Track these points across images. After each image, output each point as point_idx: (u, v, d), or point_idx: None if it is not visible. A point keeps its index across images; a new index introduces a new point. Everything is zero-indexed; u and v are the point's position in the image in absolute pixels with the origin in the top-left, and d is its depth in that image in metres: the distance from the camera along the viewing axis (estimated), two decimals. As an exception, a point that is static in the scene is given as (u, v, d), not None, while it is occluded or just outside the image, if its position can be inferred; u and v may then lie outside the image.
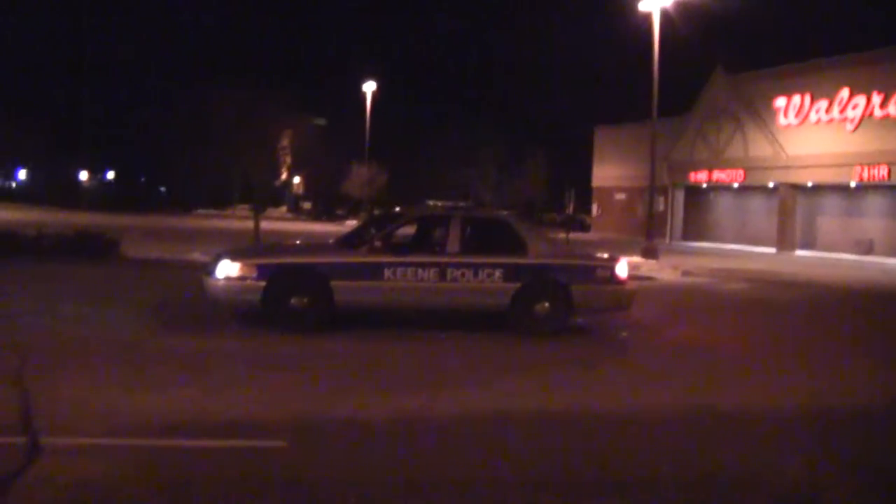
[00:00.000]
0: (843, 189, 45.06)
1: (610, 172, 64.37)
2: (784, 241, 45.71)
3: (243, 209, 67.67)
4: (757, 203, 51.44)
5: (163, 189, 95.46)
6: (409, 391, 8.82)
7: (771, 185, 47.34)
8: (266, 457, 6.49)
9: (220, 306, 12.70)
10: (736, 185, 50.32)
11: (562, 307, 12.78)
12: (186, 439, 6.76)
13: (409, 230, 14.23)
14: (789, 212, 46.27)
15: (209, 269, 12.49)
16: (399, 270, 12.22)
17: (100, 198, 79.39)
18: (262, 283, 11.84)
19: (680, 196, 55.72)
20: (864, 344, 14.24)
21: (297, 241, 18.92)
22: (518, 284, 12.58)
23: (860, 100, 41.34)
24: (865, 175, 40.87)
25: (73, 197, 74.66)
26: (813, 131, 44.08)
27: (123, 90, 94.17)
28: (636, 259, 26.98)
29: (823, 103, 43.34)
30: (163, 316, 13.09)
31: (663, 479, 6.39)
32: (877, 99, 40.44)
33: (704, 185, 53.26)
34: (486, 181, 56.25)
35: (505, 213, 14.79)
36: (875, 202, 44.61)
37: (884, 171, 39.92)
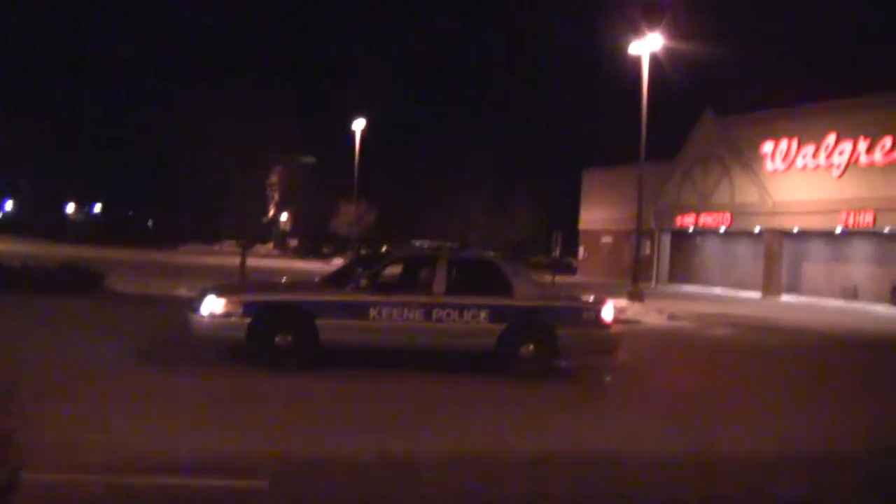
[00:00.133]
0: (828, 235, 45.32)
1: (597, 215, 64.59)
2: (770, 285, 45.88)
3: (230, 245, 67.57)
4: (743, 248, 51.65)
5: (150, 223, 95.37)
6: (393, 431, 8.78)
7: (757, 230, 47.59)
8: (248, 496, 6.45)
9: (204, 342, 12.63)
10: (722, 229, 50.56)
11: (547, 349, 12.77)
12: (167, 477, 6.71)
13: (396, 270, 14.21)
14: (775, 257, 46.48)
15: (194, 305, 12.45)
16: (385, 310, 12.20)
17: (87, 231, 79.26)
18: (248, 320, 11.80)
19: (666, 239, 55.94)
20: (848, 389, 14.26)
21: (284, 279, 18.90)
22: (503, 326, 12.58)
23: (846, 146, 41.71)
24: (851, 221, 41.14)
25: (59, 229, 74.50)
26: (799, 177, 44.41)
27: (112, 123, 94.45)
28: (622, 302, 26.99)
29: (810, 148, 43.69)
30: (146, 352, 13.01)
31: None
32: (863, 145, 40.81)
33: (691, 229, 53.49)
34: (474, 223, 56.33)
35: (491, 254, 14.84)
36: (860, 248, 44.86)
37: (869, 217, 40.20)
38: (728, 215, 48.88)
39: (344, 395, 10.72)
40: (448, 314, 12.40)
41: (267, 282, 18.24)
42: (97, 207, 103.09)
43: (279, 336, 11.87)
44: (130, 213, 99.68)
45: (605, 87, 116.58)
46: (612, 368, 14.22)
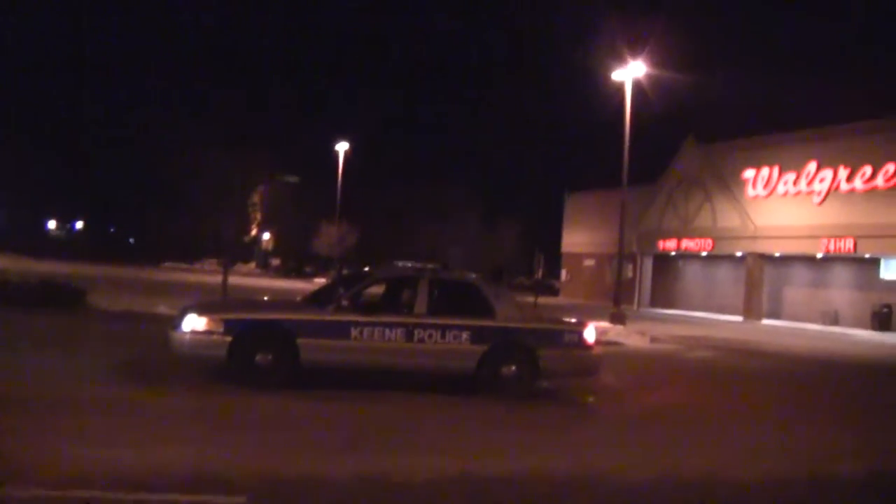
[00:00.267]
0: (809, 260, 45.63)
1: (579, 238, 64.81)
2: (751, 310, 46.05)
3: (212, 263, 67.42)
4: (725, 272, 51.89)
5: (132, 240, 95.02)
6: (371, 452, 8.75)
7: (739, 254, 47.83)
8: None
9: (185, 360, 12.57)
10: (704, 253, 50.79)
11: (528, 371, 12.76)
12: (146, 493, 6.66)
13: (378, 290, 14.17)
14: (756, 281, 46.69)
15: (175, 322, 12.39)
16: (366, 330, 12.17)
17: (68, 247, 78.83)
18: (229, 339, 11.74)
19: (648, 263, 56.15)
20: (826, 412, 14.30)
21: (265, 298, 18.83)
22: (485, 347, 12.56)
23: (827, 173, 42.03)
24: (832, 247, 41.42)
25: (40, 245, 74.05)
26: (781, 203, 44.70)
27: (95, 140, 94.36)
28: (604, 324, 27.01)
29: (791, 176, 44.02)
30: (126, 369, 12.93)
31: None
32: (843, 173, 41.14)
33: (673, 253, 53.73)
34: (456, 244, 56.39)
35: (473, 275, 14.79)
36: (841, 274, 45.17)
37: (850, 243, 40.47)
38: (710, 240, 49.10)
39: (323, 415, 10.67)
40: (430, 335, 12.38)
41: (248, 300, 18.18)
42: (78, 224, 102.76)
43: (260, 355, 11.81)
44: (112, 230, 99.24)
45: (589, 113, 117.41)
46: (595, 390, 14.23)
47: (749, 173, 46.74)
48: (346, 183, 65.90)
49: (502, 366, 12.65)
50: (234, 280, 30.73)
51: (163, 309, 21.97)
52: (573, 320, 14.44)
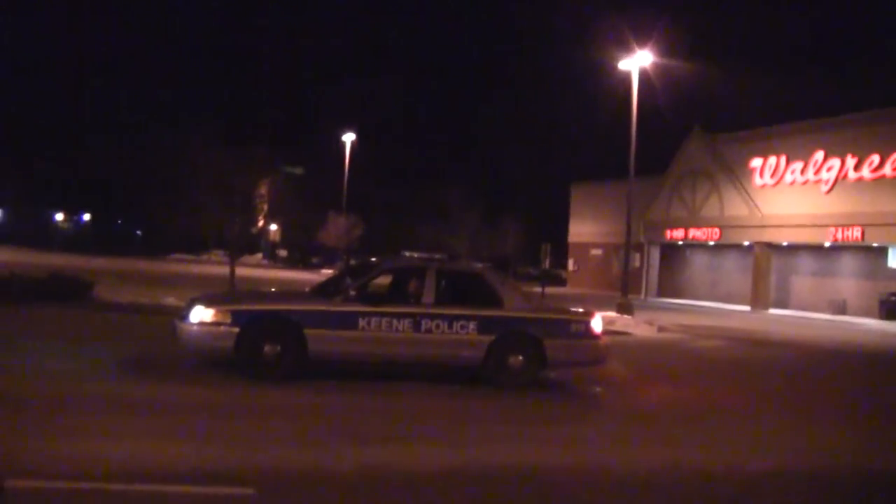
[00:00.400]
0: (817, 249, 45.50)
1: (586, 228, 64.77)
2: (758, 299, 45.96)
3: (219, 255, 67.43)
4: (732, 261, 51.79)
5: (139, 233, 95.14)
6: (379, 443, 8.74)
7: (746, 244, 47.71)
8: (235, 502, 6.42)
9: (192, 352, 12.59)
10: (711, 243, 50.68)
11: (536, 360, 12.75)
12: (154, 485, 6.67)
13: (385, 281, 14.17)
14: (764, 271, 46.58)
15: (182, 314, 12.40)
16: (373, 320, 12.17)
17: (75, 240, 78.99)
18: (236, 330, 11.74)
19: (656, 253, 56.03)
20: (834, 405, 14.28)
21: (273, 289, 18.82)
22: (492, 337, 12.55)
23: (834, 162, 41.89)
24: (839, 236, 41.30)
25: (47, 238, 74.22)
26: (788, 192, 44.56)
27: (100, 131, 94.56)
28: (611, 314, 27.01)
29: (798, 165, 43.88)
30: (133, 361, 12.96)
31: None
32: (851, 162, 41.00)
33: (680, 243, 53.62)
34: (463, 235, 56.32)
35: (480, 265, 14.78)
36: (849, 263, 45.04)
37: (857, 232, 40.35)
38: (717, 230, 48.98)
39: (330, 406, 10.67)
40: (437, 325, 12.37)
41: (255, 291, 18.17)
42: (85, 216, 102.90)
43: (267, 346, 11.81)
44: (119, 223, 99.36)
45: (595, 103, 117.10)
46: (602, 380, 14.22)
47: (756, 162, 46.62)
48: (352, 175, 65.90)
49: (509, 356, 12.64)
50: (241, 271, 30.77)
51: (171, 300, 22.00)
52: (580, 310, 14.42)
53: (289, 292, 17.23)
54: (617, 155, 36.09)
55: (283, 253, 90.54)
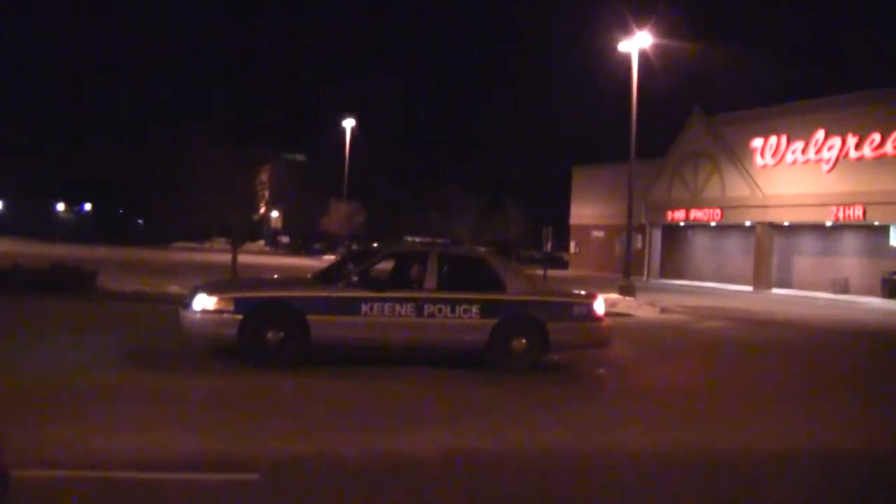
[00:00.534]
0: (819, 228, 45.51)
1: (587, 211, 64.75)
2: (760, 279, 45.99)
3: (222, 243, 67.51)
4: (734, 242, 51.81)
5: (140, 222, 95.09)
6: (383, 428, 8.76)
7: (748, 224, 47.72)
8: (240, 489, 6.45)
9: (195, 340, 12.62)
10: (713, 223, 50.70)
11: (539, 343, 12.76)
12: (159, 472, 6.70)
13: (387, 266, 14.18)
14: (766, 251, 46.60)
15: (185, 302, 12.43)
16: (376, 306, 12.19)
17: (77, 230, 79.00)
18: (239, 317, 11.76)
19: (657, 234, 56.04)
20: (838, 385, 14.30)
21: (275, 276, 18.84)
22: (495, 321, 12.56)
23: (835, 141, 41.85)
24: (841, 215, 41.31)
25: (49, 228, 74.25)
26: (789, 171, 44.53)
27: (101, 131, 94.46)
28: (614, 296, 27.02)
29: (799, 144, 43.85)
30: (137, 350, 12.99)
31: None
32: (852, 141, 40.96)
33: (682, 224, 53.63)
34: (466, 220, 56.36)
35: (482, 249, 14.80)
36: (850, 241, 45.06)
37: (859, 211, 40.35)
38: (718, 210, 48.97)
39: (333, 392, 10.69)
40: (440, 309, 12.39)
41: (258, 279, 18.20)
42: (87, 206, 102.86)
43: (271, 333, 11.83)
44: (120, 212, 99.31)
45: (596, 84, 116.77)
46: (605, 362, 14.25)
47: (757, 143, 46.59)
48: (353, 164, 65.82)
49: (513, 339, 12.65)
50: (243, 259, 30.82)
51: (174, 289, 22.03)
52: (583, 292, 14.43)
53: (291, 279, 17.25)
54: (618, 137, 35.99)
55: (284, 240, 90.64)
